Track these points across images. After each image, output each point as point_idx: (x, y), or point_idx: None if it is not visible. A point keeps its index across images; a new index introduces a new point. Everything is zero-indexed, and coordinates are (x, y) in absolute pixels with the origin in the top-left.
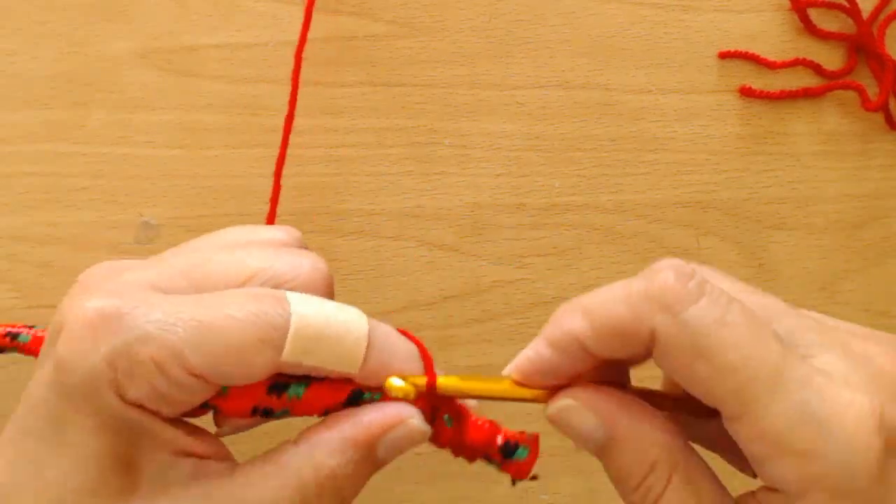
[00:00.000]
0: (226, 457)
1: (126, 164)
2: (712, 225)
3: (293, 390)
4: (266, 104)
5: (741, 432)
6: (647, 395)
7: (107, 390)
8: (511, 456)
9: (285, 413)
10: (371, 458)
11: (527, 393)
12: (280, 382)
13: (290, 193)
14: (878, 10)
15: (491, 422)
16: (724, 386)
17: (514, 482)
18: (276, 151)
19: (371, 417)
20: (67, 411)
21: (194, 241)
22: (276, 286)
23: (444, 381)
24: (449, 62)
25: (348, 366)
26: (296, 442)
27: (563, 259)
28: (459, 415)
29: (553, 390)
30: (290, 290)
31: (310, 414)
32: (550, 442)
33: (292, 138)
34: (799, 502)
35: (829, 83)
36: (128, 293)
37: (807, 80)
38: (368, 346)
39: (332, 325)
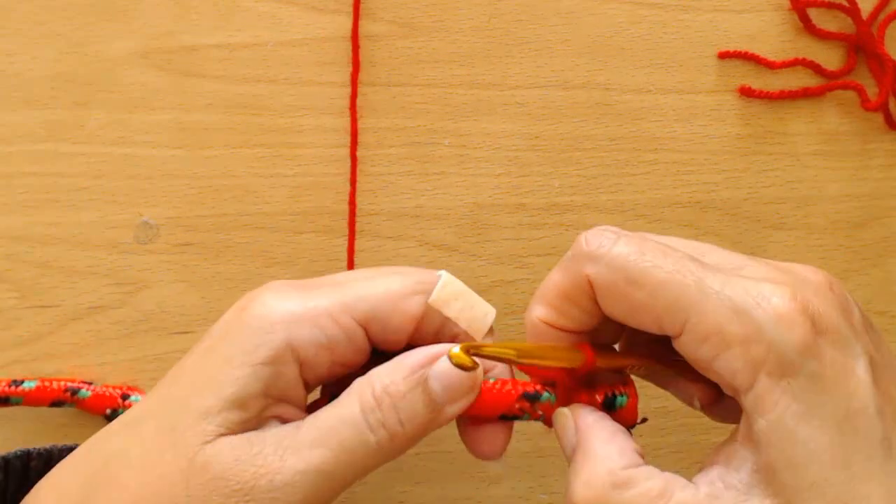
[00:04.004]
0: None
1: (126, 164)
2: (712, 225)
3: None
4: (266, 104)
5: (689, 344)
6: (656, 362)
7: (280, 336)
8: (614, 408)
9: None
10: (424, 386)
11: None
12: None
13: (290, 193)
14: (877, 10)
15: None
16: (661, 303)
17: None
18: (275, 151)
19: (424, 347)
20: (225, 347)
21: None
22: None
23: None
24: (449, 62)
25: (476, 331)
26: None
27: None
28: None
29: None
30: None
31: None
32: (550, 443)
33: (291, 138)
34: (750, 393)
35: (828, 83)
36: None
37: (806, 80)
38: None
39: (470, 293)
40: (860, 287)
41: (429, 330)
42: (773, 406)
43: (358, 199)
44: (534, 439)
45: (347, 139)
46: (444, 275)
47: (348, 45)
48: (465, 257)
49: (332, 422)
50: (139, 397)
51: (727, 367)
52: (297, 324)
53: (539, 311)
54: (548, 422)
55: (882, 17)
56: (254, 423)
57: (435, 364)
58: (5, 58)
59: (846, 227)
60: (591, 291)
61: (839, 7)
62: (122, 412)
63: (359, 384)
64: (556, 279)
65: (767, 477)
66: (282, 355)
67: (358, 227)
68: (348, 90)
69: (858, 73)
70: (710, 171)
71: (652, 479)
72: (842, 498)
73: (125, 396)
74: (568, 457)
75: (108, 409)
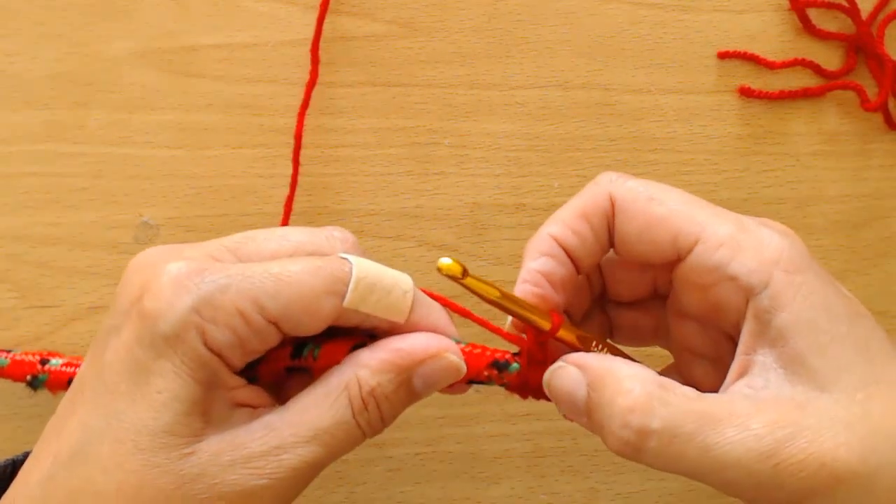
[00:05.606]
0: (274, 404)
1: (126, 164)
2: None
3: (308, 349)
4: (266, 104)
5: (703, 253)
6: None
7: (193, 335)
8: None
9: (307, 369)
10: (408, 385)
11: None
12: (297, 344)
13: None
14: (877, 10)
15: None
16: (679, 216)
17: None
18: (275, 151)
19: (412, 345)
20: (151, 360)
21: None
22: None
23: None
24: (449, 62)
25: (397, 315)
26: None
27: None
28: (540, 357)
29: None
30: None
31: (327, 366)
32: (550, 443)
33: (291, 138)
34: (767, 291)
35: (828, 83)
36: (200, 258)
37: (806, 80)
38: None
39: (384, 278)
40: (860, 287)
41: (347, 324)
42: (792, 299)
43: (358, 199)
44: (534, 439)
45: (347, 139)
46: (355, 268)
47: (349, 46)
48: (465, 257)
49: (326, 422)
50: (59, 361)
51: (743, 266)
52: (208, 325)
53: (552, 227)
54: (511, 388)
55: (882, 17)
56: (217, 420)
57: (425, 364)
58: (5, 58)
59: (846, 227)
60: (609, 210)
61: (839, 7)
62: (42, 378)
63: (347, 381)
64: (575, 201)
65: (795, 368)
66: (203, 357)
67: (358, 227)
68: (348, 90)
69: (858, 73)
70: (710, 171)
71: (685, 386)
72: (868, 379)
73: (44, 361)
74: (579, 401)
75: (28, 376)
